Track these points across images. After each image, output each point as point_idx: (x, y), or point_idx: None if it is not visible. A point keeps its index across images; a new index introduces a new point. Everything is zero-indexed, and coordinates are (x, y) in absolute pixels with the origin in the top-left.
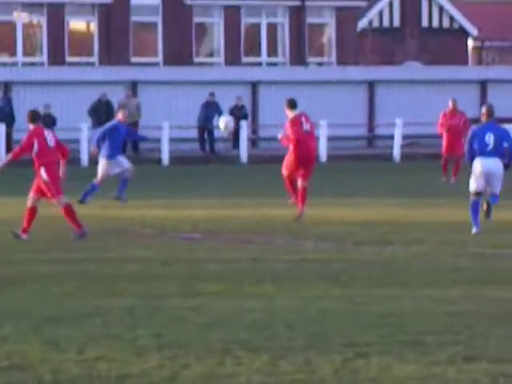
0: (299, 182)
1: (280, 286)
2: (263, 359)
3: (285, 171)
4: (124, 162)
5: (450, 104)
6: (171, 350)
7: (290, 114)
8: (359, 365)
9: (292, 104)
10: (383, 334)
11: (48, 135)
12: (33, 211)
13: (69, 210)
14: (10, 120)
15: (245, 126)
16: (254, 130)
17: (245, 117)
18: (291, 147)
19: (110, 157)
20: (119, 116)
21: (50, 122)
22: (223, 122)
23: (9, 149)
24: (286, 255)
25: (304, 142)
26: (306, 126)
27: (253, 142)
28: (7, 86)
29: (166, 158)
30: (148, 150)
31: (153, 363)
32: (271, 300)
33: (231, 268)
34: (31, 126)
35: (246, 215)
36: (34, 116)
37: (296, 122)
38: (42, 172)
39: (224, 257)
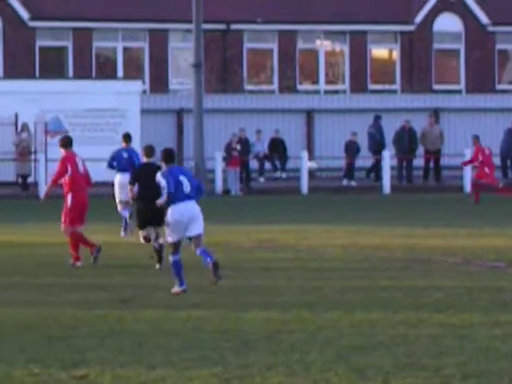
0: None
1: None
2: None
3: None
4: None
5: None
6: (477, 379)
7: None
8: None
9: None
10: None
11: (79, 162)
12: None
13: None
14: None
15: None
16: None
17: None
18: None
19: None
20: None
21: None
22: None
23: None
24: None
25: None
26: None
27: None
28: (309, 113)
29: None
30: (449, 178)
31: None
32: None
33: None
34: (63, 152)
35: None
36: (65, 142)
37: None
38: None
39: None
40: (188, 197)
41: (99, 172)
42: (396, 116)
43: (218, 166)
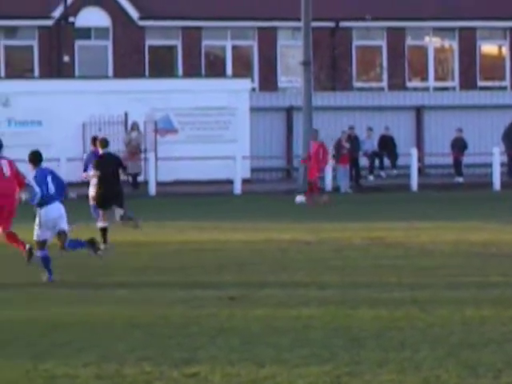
0: None
1: None
2: None
3: None
4: None
5: None
6: None
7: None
8: None
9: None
10: None
11: (4, 166)
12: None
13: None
14: None
15: None
16: None
17: None
18: None
19: None
20: None
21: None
22: None
23: None
24: None
25: None
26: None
27: None
28: (419, 110)
29: None
30: None
31: None
32: None
33: None
34: None
35: None
36: None
37: None
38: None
39: None
40: (54, 198)
41: (212, 170)
42: (505, 112)
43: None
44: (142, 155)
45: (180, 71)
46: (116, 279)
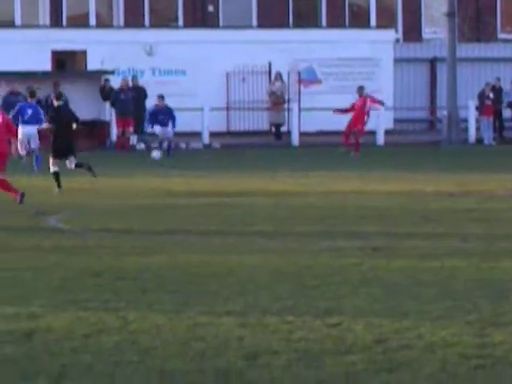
0: None
1: None
2: None
3: None
4: None
5: None
6: None
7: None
8: None
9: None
10: None
11: None
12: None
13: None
14: None
15: None
16: None
17: None
18: None
19: None
20: None
21: None
22: None
23: None
24: None
25: None
26: None
27: None
28: None
29: None
30: None
31: None
32: None
33: None
34: None
35: None
36: None
37: None
38: None
39: None
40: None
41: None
42: None
43: (472, 115)
44: (286, 105)
45: (323, 22)
46: (258, 228)
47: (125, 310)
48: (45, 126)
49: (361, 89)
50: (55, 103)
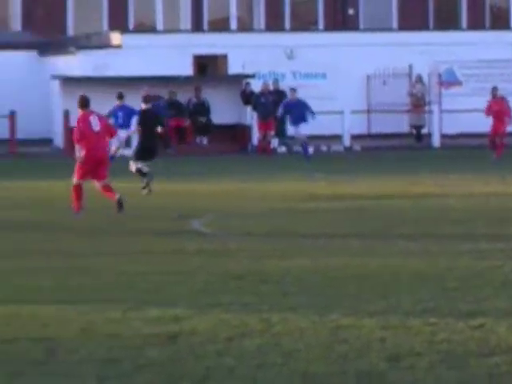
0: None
1: None
2: None
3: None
4: None
5: None
6: None
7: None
8: None
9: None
10: None
11: (93, 120)
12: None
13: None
14: None
15: None
16: None
17: None
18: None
19: None
20: None
21: None
22: None
23: None
24: None
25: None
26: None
27: None
28: None
29: None
30: None
31: None
32: None
33: None
34: (79, 112)
35: None
36: (80, 103)
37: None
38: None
39: None
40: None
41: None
42: None
43: None
44: (426, 107)
45: (464, 24)
46: (399, 231)
47: (267, 313)
48: (131, 130)
49: (495, 89)
50: (142, 106)
